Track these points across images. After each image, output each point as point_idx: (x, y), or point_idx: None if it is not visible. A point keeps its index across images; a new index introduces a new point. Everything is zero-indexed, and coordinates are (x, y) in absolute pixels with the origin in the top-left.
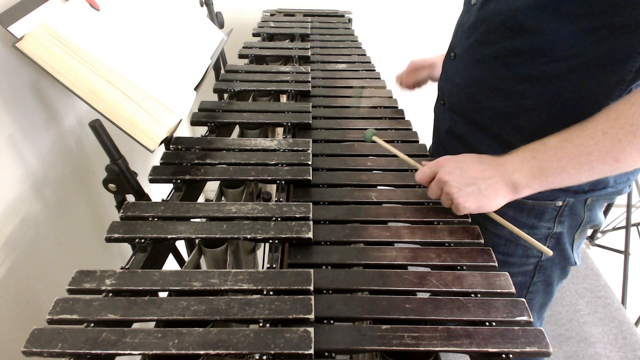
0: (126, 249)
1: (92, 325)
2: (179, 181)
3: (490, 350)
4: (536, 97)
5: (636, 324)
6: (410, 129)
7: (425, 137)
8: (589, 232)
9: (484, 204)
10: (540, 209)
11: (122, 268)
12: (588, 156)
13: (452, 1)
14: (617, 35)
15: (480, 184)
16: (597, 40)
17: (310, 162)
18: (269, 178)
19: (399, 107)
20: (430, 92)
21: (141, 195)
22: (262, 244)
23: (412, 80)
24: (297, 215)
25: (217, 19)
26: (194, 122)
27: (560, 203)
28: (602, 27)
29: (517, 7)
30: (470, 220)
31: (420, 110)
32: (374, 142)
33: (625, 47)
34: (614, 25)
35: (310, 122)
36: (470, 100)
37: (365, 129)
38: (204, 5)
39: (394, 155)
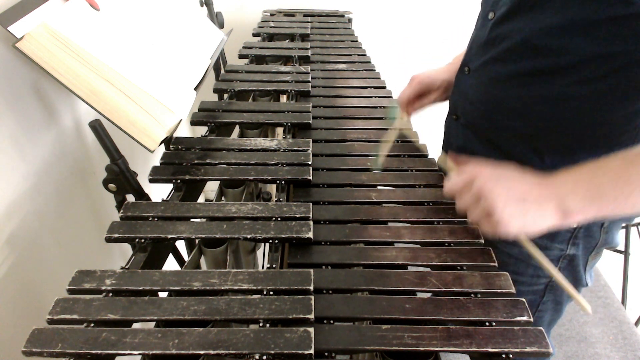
0: (126, 249)
1: (92, 325)
2: (179, 181)
3: (490, 350)
4: (557, 119)
5: (636, 324)
6: (410, 129)
7: (432, 149)
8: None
9: (528, 227)
10: (554, 230)
11: (122, 268)
12: None
13: (453, 1)
14: None
15: (529, 204)
16: (625, 64)
17: (310, 162)
18: (269, 178)
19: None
20: (439, 104)
21: (141, 195)
22: (262, 244)
23: (421, 104)
24: (297, 215)
25: (217, 19)
26: (194, 122)
27: (575, 225)
28: (631, 52)
29: (542, 26)
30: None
31: (428, 122)
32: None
33: None
34: None
35: (310, 122)
36: (486, 118)
37: (365, 129)
38: (204, 5)
39: (397, 155)
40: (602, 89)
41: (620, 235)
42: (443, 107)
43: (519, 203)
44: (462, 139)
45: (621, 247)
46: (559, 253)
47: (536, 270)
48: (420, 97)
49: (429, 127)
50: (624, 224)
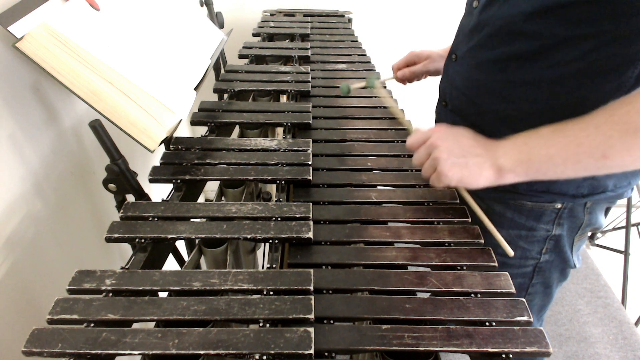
0: (126, 249)
1: (92, 325)
2: (179, 181)
3: (490, 350)
4: (536, 102)
5: (636, 324)
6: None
7: None
8: (589, 233)
9: (467, 179)
10: (540, 210)
11: (122, 268)
12: (577, 147)
13: (452, 1)
14: (619, 42)
15: (469, 158)
16: (598, 46)
17: (310, 162)
18: (269, 178)
19: (399, 107)
20: (431, 92)
21: (141, 195)
22: (262, 244)
23: (410, 72)
24: (297, 215)
25: (217, 19)
26: (194, 122)
27: (559, 205)
28: (604, 33)
29: (519, 11)
30: (470, 220)
31: (421, 110)
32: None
33: (626, 54)
34: (615, 31)
35: (310, 122)
36: (471, 103)
37: (365, 129)
38: (204, 5)
39: (397, 155)
40: (578, 71)
41: (619, 235)
42: (435, 96)
43: (460, 156)
44: (450, 124)
45: (621, 247)
46: (545, 234)
47: (524, 252)
48: (410, 65)
49: (422, 114)
50: (608, 205)
